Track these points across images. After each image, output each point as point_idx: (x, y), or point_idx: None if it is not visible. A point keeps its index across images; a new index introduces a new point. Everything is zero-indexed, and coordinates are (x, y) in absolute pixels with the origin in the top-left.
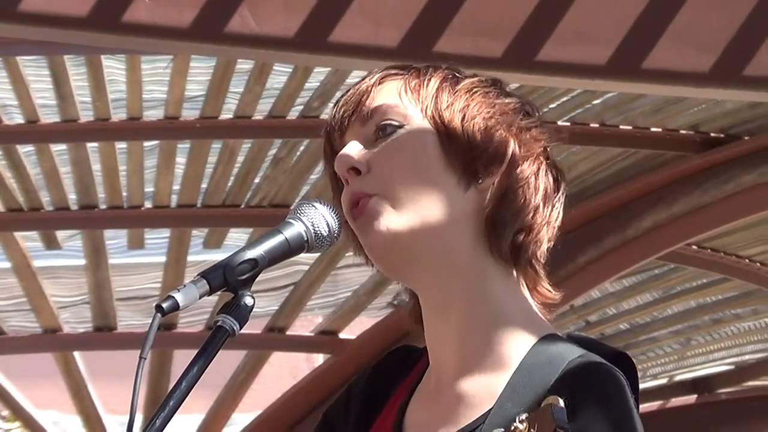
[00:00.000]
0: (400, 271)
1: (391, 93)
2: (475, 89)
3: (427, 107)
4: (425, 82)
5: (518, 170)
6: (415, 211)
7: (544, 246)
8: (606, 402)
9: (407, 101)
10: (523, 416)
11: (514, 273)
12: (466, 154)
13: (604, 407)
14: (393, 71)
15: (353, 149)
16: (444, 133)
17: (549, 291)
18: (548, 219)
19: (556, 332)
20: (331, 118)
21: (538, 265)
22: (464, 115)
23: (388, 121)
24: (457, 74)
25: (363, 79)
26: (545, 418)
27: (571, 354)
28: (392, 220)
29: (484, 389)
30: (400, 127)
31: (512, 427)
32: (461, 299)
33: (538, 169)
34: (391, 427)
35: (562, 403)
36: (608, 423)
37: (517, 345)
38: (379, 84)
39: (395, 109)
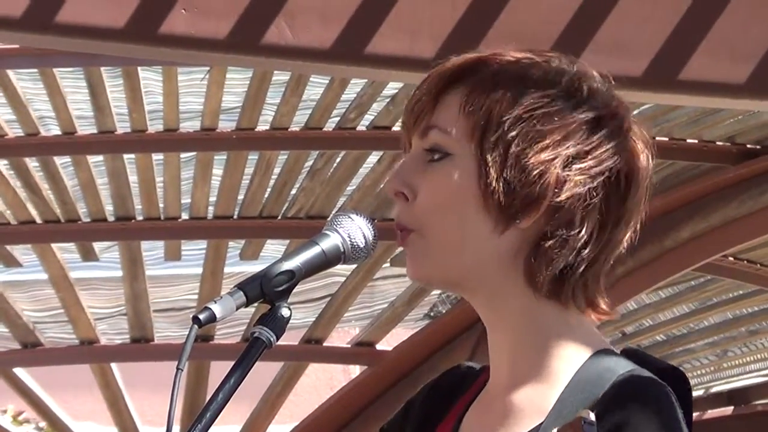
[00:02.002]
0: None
1: (450, 110)
2: (531, 111)
3: (475, 135)
4: (484, 100)
5: (558, 214)
6: (448, 257)
7: (597, 274)
8: (651, 417)
9: (462, 124)
10: (555, 429)
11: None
12: (504, 198)
13: (648, 422)
14: (461, 73)
15: (404, 171)
16: (485, 171)
17: (600, 310)
18: (599, 253)
19: (610, 347)
20: (406, 107)
21: (588, 291)
22: (507, 154)
23: (439, 146)
24: (527, 81)
25: (433, 74)
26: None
27: (620, 369)
28: (426, 264)
29: (533, 404)
30: (449, 155)
31: None
32: (509, 319)
33: (587, 205)
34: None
35: (593, 416)
36: None
37: (568, 361)
38: (444, 92)
39: (448, 134)
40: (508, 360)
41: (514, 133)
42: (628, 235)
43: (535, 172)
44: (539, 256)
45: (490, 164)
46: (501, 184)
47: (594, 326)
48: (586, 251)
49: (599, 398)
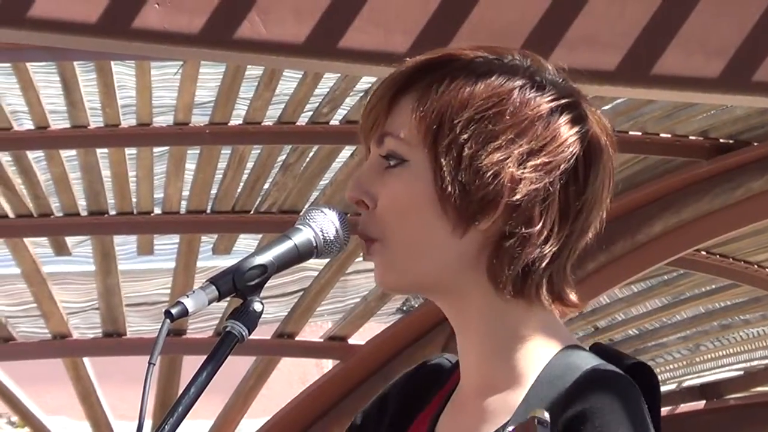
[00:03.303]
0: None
1: (403, 115)
2: (482, 111)
3: (427, 140)
4: (435, 104)
5: (516, 213)
6: (411, 264)
7: (562, 267)
8: (614, 406)
9: (414, 129)
10: (510, 428)
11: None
12: (460, 201)
13: (611, 411)
14: (412, 77)
15: (362, 179)
16: (440, 176)
17: (568, 302)
18: (562, 246)
19: (577, 343)
20: (362, 112)
21: (554, 285)
22: (461, 157)
23: (394, 153)
24: (479, 81)
25: (386, 79)
26: (530, 430)
27: (586, 364)
28: (391, 272)
29: (501, 405)
30: (404, 161)
31: None
32: (475, 321)
33: (544, 199)
34: None
35: (546, 416)
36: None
37: (535, 359)
38: (397, 97)
39: (402, 140)
40: (476, 361)
41: (466, 136)
42: (592, 224)
43: (489, 174)
44: (500, 255)
45: (444, 168)
46: (456, 188)
47: (561, 323)
48: (548, 246)
49: (562, 393)
